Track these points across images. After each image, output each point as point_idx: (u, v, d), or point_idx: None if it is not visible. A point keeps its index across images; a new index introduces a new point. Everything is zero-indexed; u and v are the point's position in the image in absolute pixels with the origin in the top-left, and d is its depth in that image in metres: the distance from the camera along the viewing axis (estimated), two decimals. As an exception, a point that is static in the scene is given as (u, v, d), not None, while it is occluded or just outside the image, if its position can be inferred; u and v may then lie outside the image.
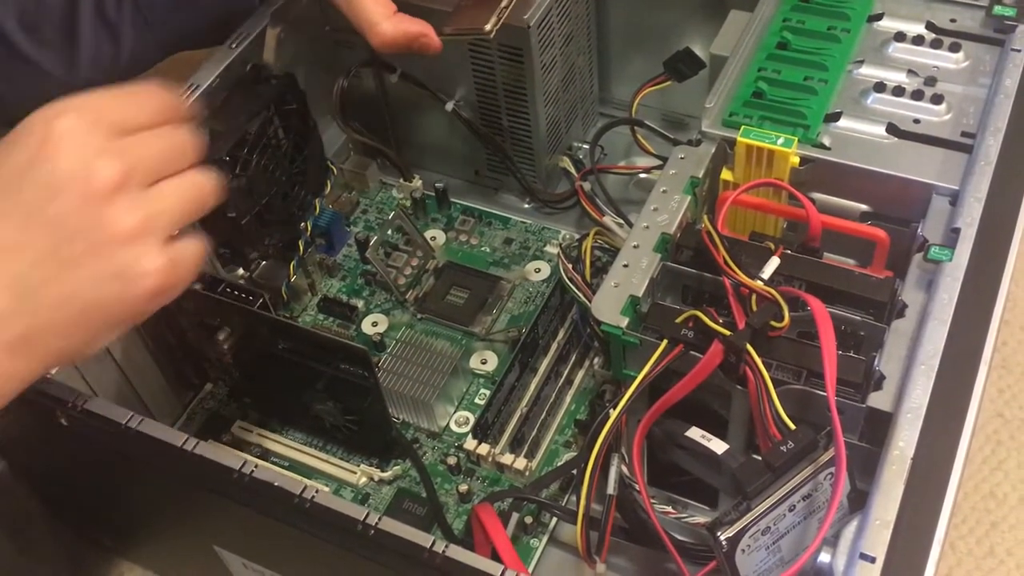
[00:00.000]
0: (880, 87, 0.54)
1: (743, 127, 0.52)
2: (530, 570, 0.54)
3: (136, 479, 0.51)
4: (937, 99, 0.53)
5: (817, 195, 0.52)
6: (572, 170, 0.71)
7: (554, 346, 0.62)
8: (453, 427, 0.61)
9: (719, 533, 0.41)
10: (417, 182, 0.73)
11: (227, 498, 0.44)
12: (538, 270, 0.68)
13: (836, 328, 0.43)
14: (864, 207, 0.52)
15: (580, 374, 0.63)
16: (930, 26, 0.56)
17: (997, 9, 0.55)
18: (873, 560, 0.37)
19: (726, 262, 0.46)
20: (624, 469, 0.49)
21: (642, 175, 0.71)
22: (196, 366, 0.62)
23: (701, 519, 0.49)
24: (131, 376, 0.58)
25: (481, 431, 0.57)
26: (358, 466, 0.59)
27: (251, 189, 0.60)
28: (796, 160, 0.51)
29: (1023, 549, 0.59)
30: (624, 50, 0.74)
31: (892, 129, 0.52)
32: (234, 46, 0.62)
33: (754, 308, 0.45)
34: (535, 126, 0.68)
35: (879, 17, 0.57)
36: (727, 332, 0.43)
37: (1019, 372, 0.66)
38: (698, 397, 0.46)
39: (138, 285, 0.38)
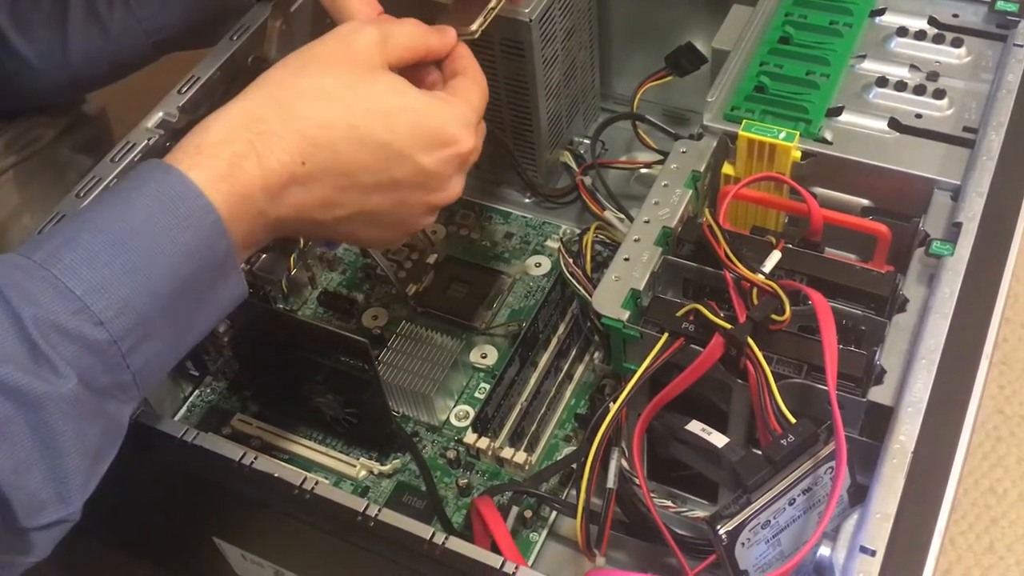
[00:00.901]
0: (882, 82, 0.54)
1: (745, 121, 0.52)
2: (529, 564, 0.54)
3: (135, 470, 0.50)
4: (939, 94, 0.53)
5: (819, 189, 0.52)
6: (573, 165, 0.71)
7: (554, 340, 0.62)
8: (453, 421, 0.61)
9: (719, 527, 0.41)
10: (418, 176, 0.72)
11: (227, 489, 0.44)
12: (539, 264, 0.68)
13: (837, 322, 0.43)
14: (866, 202, 0.52)
15: (580, 368, 0.63)
16: (932, 21, 0.56)
17: (1000, 4, 0.55)
18: (873, 553, 0.37)
19: (727, 256, 0.46)
20: (624, 463, 0.49)
21: (643, 170, 0.71)
22: (196, 358, 0.62)
23: (701, 513, 0.49)
24: (131, 368, 0.58)
25: (481, 425, 0.57)
26: (358, 459, 0.59)
27: (252, 182, 0.59)
28: (798, 154, 0.51)
29: (1022, 544, 0.59)
30: (626, 45, 0.74)
31: (894, 124, 0.52)
32: (235, 38, 0.61)
33: (755, 302, 0.45)
34: (536, 121, 0.68)
35: (881, 12, 0.57)
36: (728, 325, 0.43)
37: (1019, 369, 0.67)
38: (698, 391, 0.46)
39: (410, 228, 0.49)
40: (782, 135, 0.51)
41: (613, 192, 0.68)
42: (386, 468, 0.58)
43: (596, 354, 0.61)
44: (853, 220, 0.49)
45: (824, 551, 0.40)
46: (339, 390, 0.56)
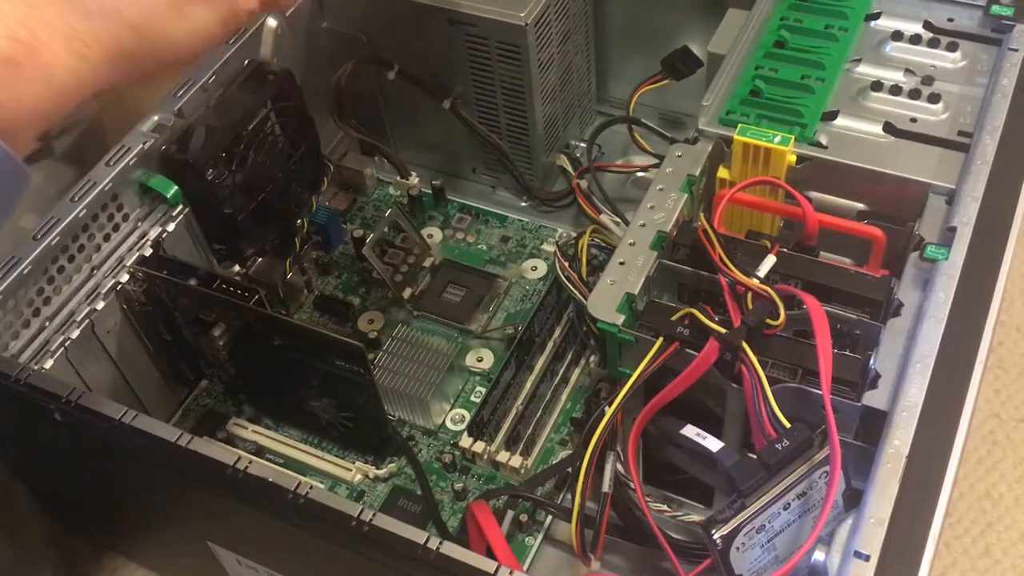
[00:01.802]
0: (877, 86, 0.54)
1: (740, 125, 0.52)
2: (525, 568, 0.54)
3: (130, 475, 0.50)
4: (934, 98, 0.53)
5: (814, 194, 0.52)
6: (569, 168, 0.71)
7: (550, 344, 0.62)
8: (449, 424, 0.61)
9: (713, 531, 0.41)
10: (414, 180, 0.72)
11: (221, 494, 0.44)
12: (535, 268, 0.68)
13: (832, 326, 0.43)
14: (861, 206, 0.52)
15: (576, 372, 0.62)
16: (928, 25, 0.56)
17: (995, 9, 0.55)
18: (867, 558, 0.37)
19: (722, 260, 0.45)
20: (619, 467, 0.49)
21: (639, 173, 0.71)
22: (191, 362, 0.62)
23: (696, 517, 0.49)
24: (126, 372, 0.58)
25: (477, 429, 0.57)
26: (353, 463, 0.59)
27: (247, 186, 0.59)
28: (793, 159, 0.51)
29: (1018, 549, 0.59)
30: (622, 49, 0.74)
31: (889, 128, 0.52)
32: (231, 42, 0.61)
33: (750, 306, 0.45)
34: (532, 124, 0.68)
35: (877, 16, 0.57)
36: (723, 330, 0.43)
37: (1015, 372, 0.66)
38: (693, 395, 0.46)
39: None
40: (777, 139, 0.51)
41: (609, 196, 0.68)
42: (382, 472, 0.58)
43: (592, 358, 0.61)
44: (848, 224, 0.49)
45: (819, 556, 0.40)
46: (335, 394, 0.56)
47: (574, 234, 0.69)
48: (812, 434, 0.41)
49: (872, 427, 0.42)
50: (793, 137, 0.51)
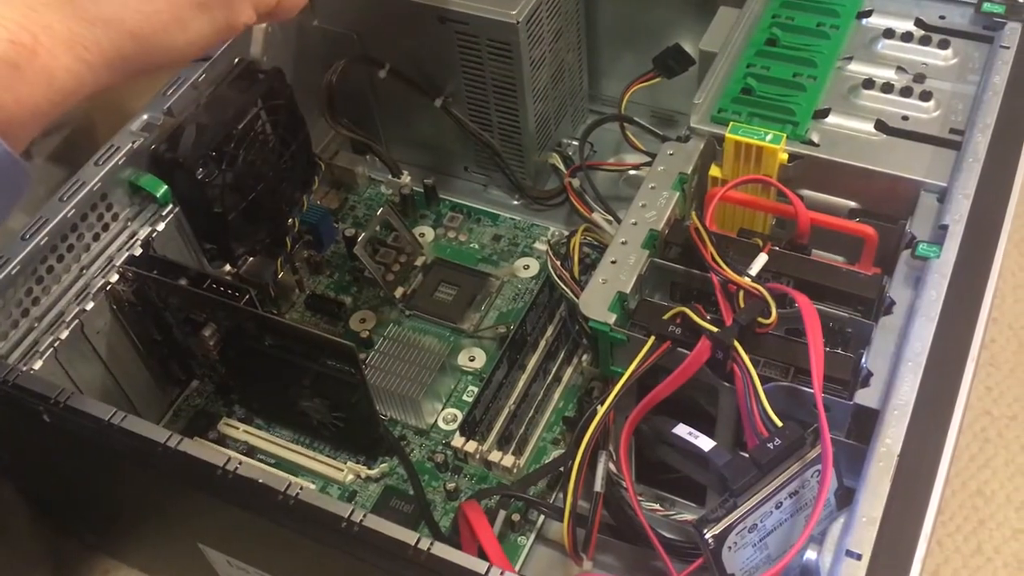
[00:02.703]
0: (869, 84, 0.54)
1: (732, 123, 0.52)
2: (517, 568, 0.54)
3: (119, 476, 0.50)
4: (926, 96, 0.53)
5: (806, 192, 0.52)
6: (561, 167, 0.71)
7: (542, 343, 0.62)
8: (441, 424, 0.61)
9: (705, 530, 0.41)
10: (406, 178, 0.72)
11: (211, 495, 0.44)
12: (527, 267, 0.68)
13: (824, 325, 0.43)
14: (853, 204, 0.52)
15: (568, 371, 0.62)
16: (919, 23, 0.56)
17: (986, 6, 0.55)
18: (859, 557, 0.37)
19: (714, 259, 0.45)
20: (611, 466, 0.49)
21: (631, 172, 0.70)
22: (182, 362, 0.62)
23: (688, 516, 0.49)
24: (116, 373, 0.58)
25: (469, 428, 0.57)
26: (345, 463, 0.59)
27: (238, 185, 0.59)
28: (784, 157, 0.51)
29: (1010, 547, 0.59)
30: (614, 47, 0.74)
31: (881, 126, 0.52)
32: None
33: (742, 305, 0.45)
34: (524, 123, 0.68)
35: (868, 14, 0.57)
36: (714, 329, 0.43)
37: (1007, 370, 0.67)
38: (686, 394, 0.46)
39: None
40: (769, 137, 0.51)
41: (601, 194, 0.68)
42: (373, 472, 0.58)
43: (584, 356, 0.61)
44: (840, 222, 0.49)
45: (811, 555, 0.40)
46: (326, 394, 0.56)
47: (566, 233, 0.69)
48: (804, 433, 0.41)
49: (864, 426, 0.42)
50: (785, 135, 0.51)
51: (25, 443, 0.53)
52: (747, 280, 0.45)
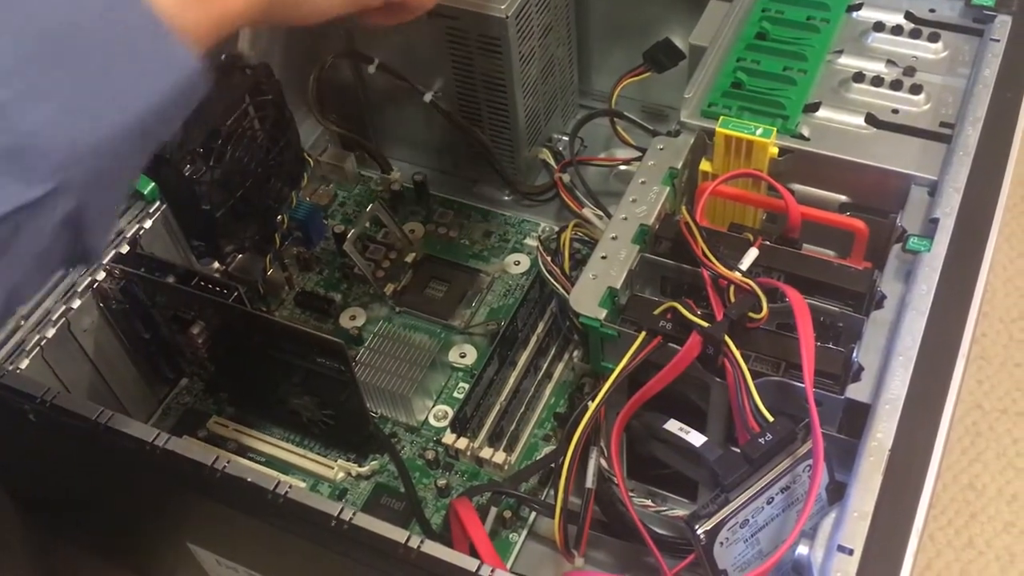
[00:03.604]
0: (859, 77, 0.53)
1: (722, 117, 0.52)
2: (508, 565, 0.54)
3: (107, 476, 0.50)
4: (916, 89, 0.52)
5: (796, 186, 0.52)
6: (552, 162, 0.71)
7: (533, 339, 0.61)
8: (432, 421, 0.61)
9: (697, 526, 0.40)
10: (396, 174, 0.72)
11: (199, 494, 0.43)
12: (517, 263, 0.68)
13: (815, 319, 0.43)
14: (843, 198, 0.52)
15: (560, 367, 0.62)
16: (909, 16, 0.56)
17: (976, -1, 0.55)
18: (851, 552, 0.37)
19: (704, 253, 0.45)
20: (603, 462, 0.49)
21: (622, 167, 0.70)
22: (171, 360, 0.61)
23: (680, 512, 0.49)
24: (104, 371, 0.57)
25: (460, 425, 0.57)
26: (335, 461, 0.59)
27: (226, 181, 0.59)
28: (775, 151, 0.51)
29: (1002, 540, 0.59)
30: (604, 41, 0.74)
31: (871, 119, 0.52)
32: (208, 36, 0.60)
33: (732, 300, 0.44)
34: (514, 118, 0.67)
35: (858, 7, 0.57)
36: (705, 324, 0.43)
37: (998, 363, 0.67)
38: (676, 389, 0.46)
39: None
40: (759, 131, 0.51)
41: (592, 189, 0.67)
42: (364, 470, 0.58)
43: (575, 352, 0.61)
44: (830, 216, 0.49)
45: (802, 550, 0.40)
46: (316, 392, 0.56)
47: (557, 228, 0.69)
48: (795, 428, 0.41)
49: (855, 420, 0.42)
50: (775, 129, 0.51)
51: (12, 443, 0.52)
52: (737, 275, 0.44)
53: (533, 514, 0.55)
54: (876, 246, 0.49)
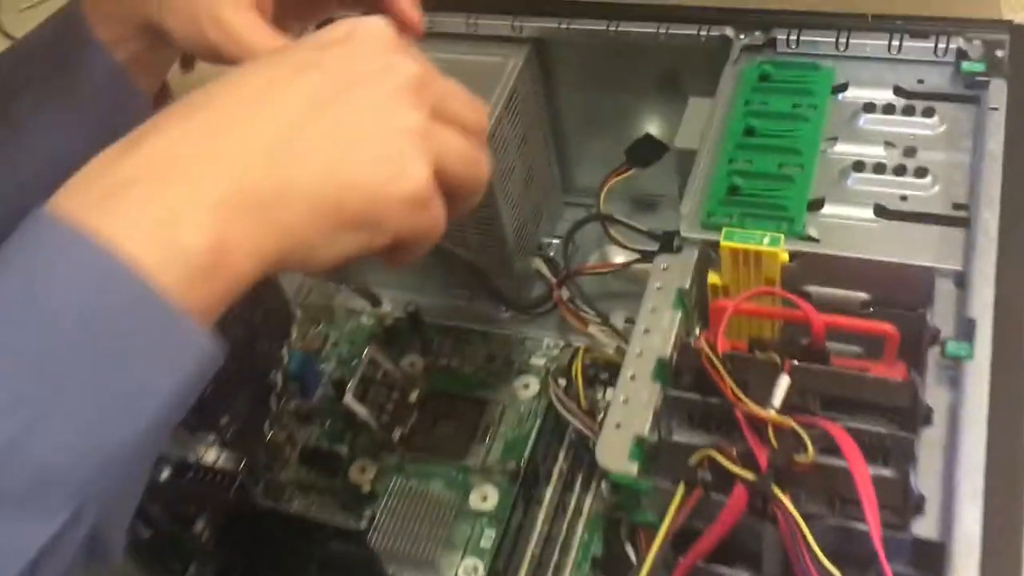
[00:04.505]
0: (859, 166, 0.51)
1: (725, 229, 0.49)
2: None
3: None
4: (921, 172, 0.50)
5: (813, 288, 0.49)
6: (546, 272, 0.68)
7: (556, 472, 0.58)
8: (462, 577, 0.57)
9: None
10: (386, 307, 0.69)
11: None
12: (527, 386, 0.64)
13: (860, 442, 0.40)
14: (864, 295, 0.49)
15: (589, 500, 0.59)
16: (898, 91, 0.54)
17: (965, 66, 0.53)
18: None
19: (734, 393, 0.42)
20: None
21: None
22: (176, 551, 0.57)
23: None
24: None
25: (493, 582, 0.53)
26: (366, 639, 0.55)
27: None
28: (785, 257, 0.48)
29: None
30: (581, 136, 0.72)
31: (880, 210, 0.49)
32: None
33: (771, 437, 0.41)
34: (502, 235, 0.65)
35: (844, 87, 0.55)
36: (749, 476, 0.40)
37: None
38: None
39: (401, 181, 0.35)
40: (767, 240, 0.48)
41: (590, 298, 0.65)
42: (397, 647, 0.54)
43: (603, 482, 0.57)
44: (857, 324, 0.46)
45: None
46: (334, 574, 0.52)
47: (561, 343, 0.66)
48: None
49: (927, 557, 0.39)
50: (782, 235, 0.48)
51: None
52: (773, 413, 0.41)
53: (586, 673, 0.51)
54: (906, 341, 0.46)
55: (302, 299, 0.70)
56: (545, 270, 0.68)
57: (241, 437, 0.62)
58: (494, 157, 0.60)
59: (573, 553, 0.57)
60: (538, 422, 0.58)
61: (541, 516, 0.56)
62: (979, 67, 0.52)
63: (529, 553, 0.54)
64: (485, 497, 0.59)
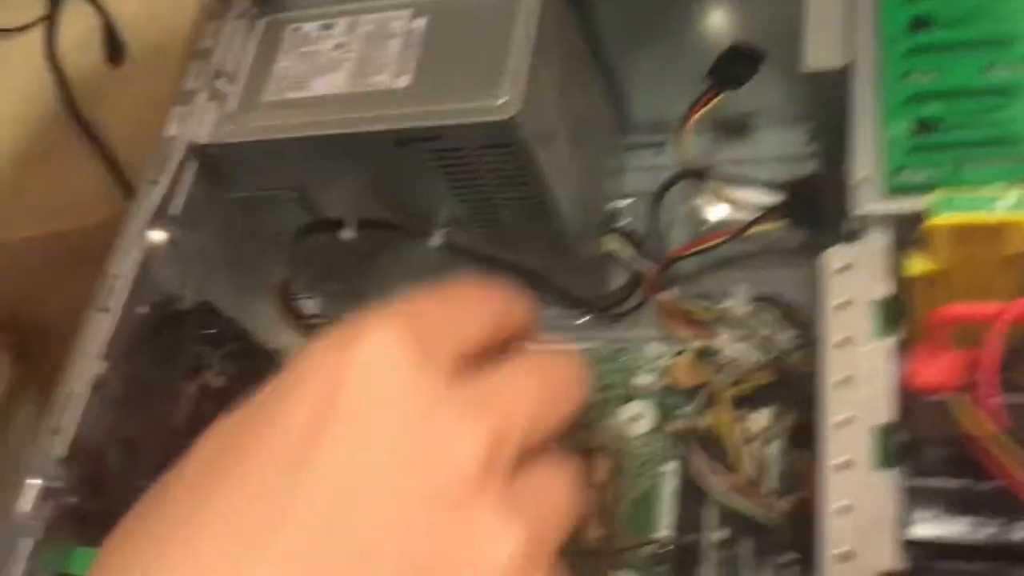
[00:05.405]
0: (1123, 44, 0.32)
1: (936, 195, 0.31)
2: None
3: None
4: None
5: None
6: (622, 251, 0.51)
7: (714, 539, 0.42)
8: None
9: None
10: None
11: None
12: (637, 418, 0.48)
13: None
14: None
15: (765, 578, 0.43)
16: None
17: None
18: None
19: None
20: None
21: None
22: None
23: None
24: None
25: None
26: None
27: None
28: (1044, 222, 0.30)
29: None
30: (628, 59, 0.53)
31: None
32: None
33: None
34: (557, 219, 0.47)
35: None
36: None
37: None
38: None
39: None
40: (1007, 203, 0.30)
41: (691, 286, 0.47)
42: None
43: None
44: None
45: None
46: None
47: (664, 348, 0.49)
48: None
49: None
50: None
51: None
52: None
53: None
54: None
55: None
56: (621, 248, 0.51)
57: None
58: (531, 130, 0.42)
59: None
60: (672, 480, 0.42)
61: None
62: None
63: None
64: (618, 592, 0.44)
